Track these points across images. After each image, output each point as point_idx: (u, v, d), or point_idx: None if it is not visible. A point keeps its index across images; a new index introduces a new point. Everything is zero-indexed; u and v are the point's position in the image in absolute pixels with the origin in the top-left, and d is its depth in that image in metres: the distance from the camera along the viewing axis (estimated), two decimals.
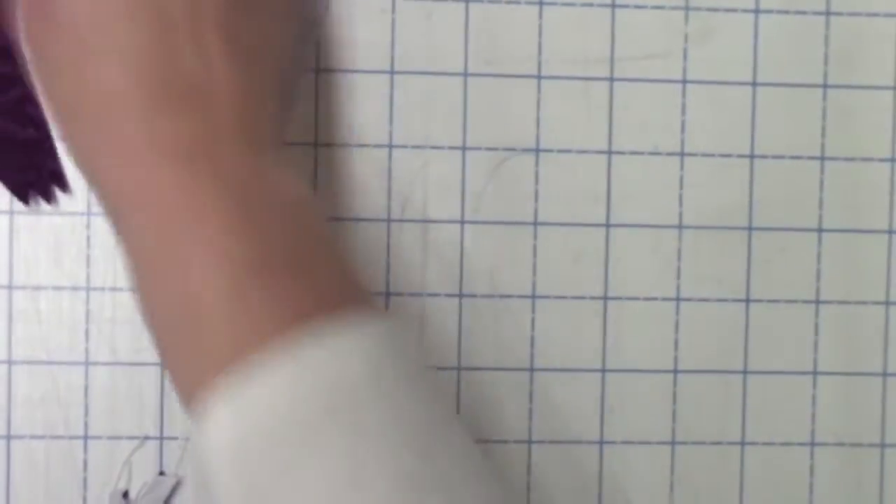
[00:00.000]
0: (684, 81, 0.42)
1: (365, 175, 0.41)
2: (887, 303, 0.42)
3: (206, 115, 0.32)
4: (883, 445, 0.42)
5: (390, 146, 0.41)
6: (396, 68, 0.41)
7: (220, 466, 0.29)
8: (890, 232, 0.42)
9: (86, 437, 0.40)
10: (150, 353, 0.40)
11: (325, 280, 0.32)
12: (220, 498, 0.29)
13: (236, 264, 0.30)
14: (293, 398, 0.29)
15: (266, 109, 0.33)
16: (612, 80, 0.41)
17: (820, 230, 0.42)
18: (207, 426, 0.29)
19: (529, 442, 0.41)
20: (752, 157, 0.42)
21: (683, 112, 0.42)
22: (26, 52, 0.34)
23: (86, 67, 0.31)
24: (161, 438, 0.40)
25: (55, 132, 0.34)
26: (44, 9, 0.33)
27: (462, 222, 0.41)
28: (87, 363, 0.40)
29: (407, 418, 0.30)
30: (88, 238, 0.40)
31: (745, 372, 0.42)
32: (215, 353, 0.30)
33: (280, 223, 0.32)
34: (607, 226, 0.41)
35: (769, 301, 0.42)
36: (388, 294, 0.41)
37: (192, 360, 0.31)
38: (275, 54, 0.35)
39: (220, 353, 0.30)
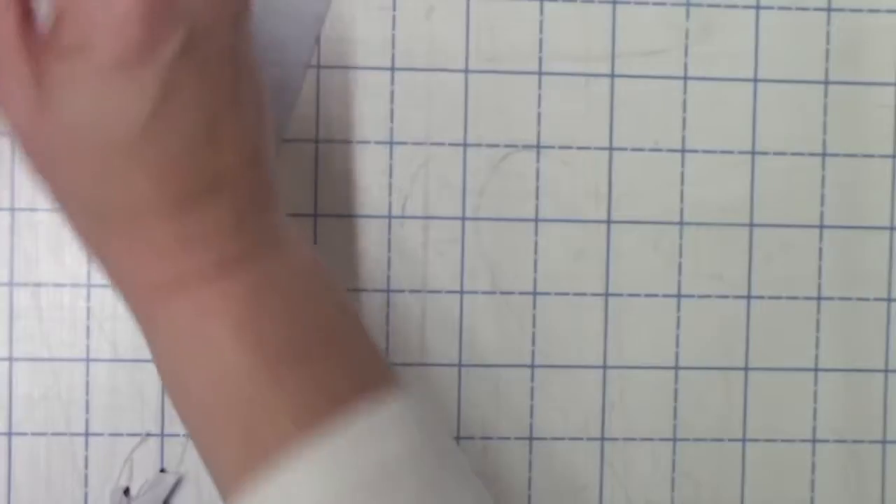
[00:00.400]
0: (685, 78, 0.42)
1: (366, 172, 0.41)
2: (889, 299, 0.42)
3: (228, 201, 0.32)
4: (884, 442, 0.42)
5: (391, 143, 0.41)
6: (397, 65, 0.41)
7: None
8: (891, 228, 0.42)
9: (87, 434, 0.40)
10: None
11: (355, 359, 0.32)
12: None
13: (271, 350, 0.31)
14: (337, 487, 0.29)
15: (269, 168, 0.33)
16: (613, 76, 0.41)
17: (821, 227, 0.42)
18: None
19: (531, 438, 0.41)
20: (753, 153, 0.42)
21: (684, 109, 0.42)
22: (25, 150, 0.33)
23: (111, 179, 0.31)
24: (162, 435, 0.40)
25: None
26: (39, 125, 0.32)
27: (463, 219, 0.41)
28: (87, 360, 0.40)
29: (439, 491, 0.31)
30: None
31: (746, 368, 0.42)
32: (254, 443, 0.30)
33: (310, 304, 0.32)
34: (608, 222, 0.41)
35: (770, 297, 0.42)
36: (388, 291, 0.41)
37: (229, 449, 0.31)
38: (264, 109, 0.34)
39: (258, 443, 0.30)
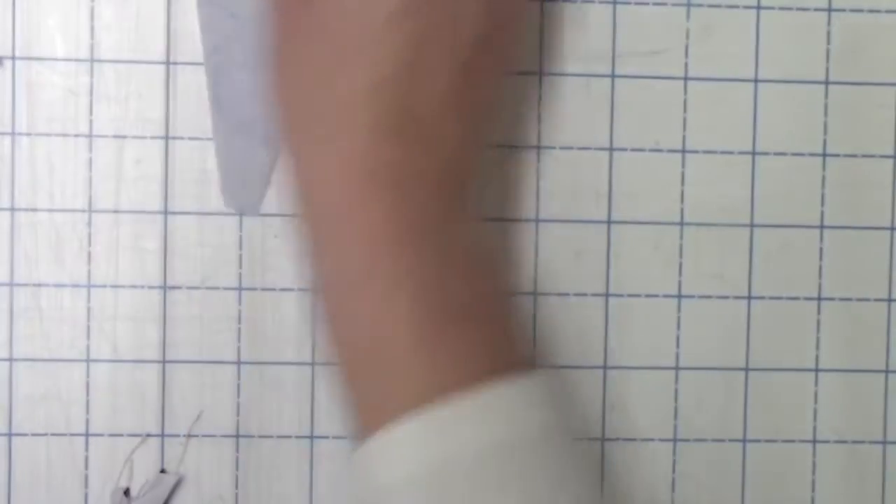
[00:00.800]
0: (686, 78, 0.42)
1: None
2: (889, 300, 0.42)
3: (430, 156, 0.32)
4: (885, 443, 0.42)
5: None
6: None
7: (395, 489, 0.30)
8: (892, 228, 0.42)
9: (87, 435, 0.40)
10: (152, 351, 0.40)
11: (508, 335, 0.33)
12: None
13: (436, 308, 0.31)
14: (471, 451, 0.30)
15: (472, 160, 0.34)
16: (613, 76, 0.41)
17: (822, 227, 0.42)
18: (385, 463, 0.31)
19: None
20: (753, 153, 0.42)
21: (685, 109, 0.42)
22: (270, 46, 0.34)
23: (334, 77, 0.32)
24: (162, 436, 0.40)
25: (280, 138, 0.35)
26: (306, 8, 0.33)
27: None
28: (88, 360, 0.40)
29: (570, 477, 0.31)
30: (90, 235, 0.40)
31: (746, 369, 0.42)
32: (398, 397, 0.31)
33: (475, 274, 0.33)
34: (609, 223, 0.41)
35: (771, 298, 0.42)
36: None
37: (373, 397, 0.32)
38: (492, 109, 0.36)
39: (403, 397, 0.31)
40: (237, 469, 0.41)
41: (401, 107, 0.32)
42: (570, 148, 0.41)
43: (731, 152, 0.42)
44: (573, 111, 0.41)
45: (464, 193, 0.34)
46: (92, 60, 0.40)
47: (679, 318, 0.42)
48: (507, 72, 0.35)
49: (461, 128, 0.33)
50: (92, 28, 0.40)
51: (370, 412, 0.32)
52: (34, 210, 0.40)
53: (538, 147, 0.41)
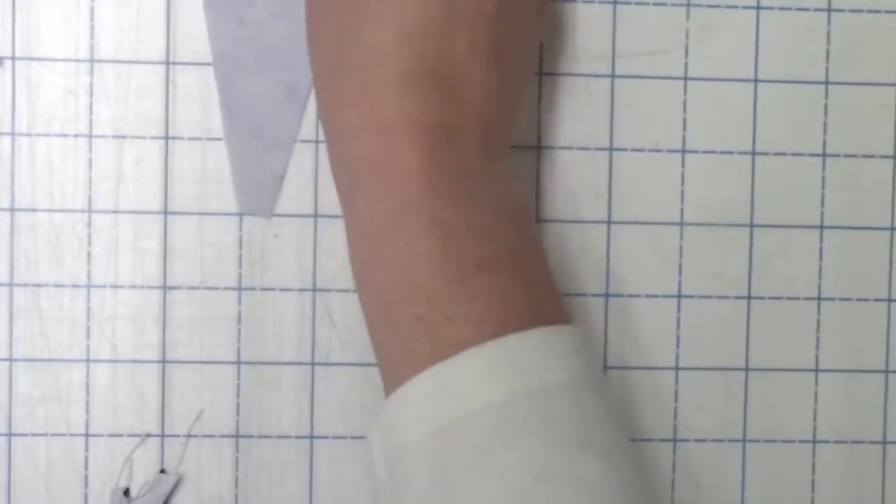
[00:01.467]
0: (686, 78, 0.42)
1: None
2: (889, 300, 0.42)
3: (456, 108, 0.33)
4: (885, 442, 0.42)
5: None
6: None
7: (416, 444, 0.30)
8: (892, 229, 0.42)
9: (87, 435, 0.40)
10: (152, 351, 0.40)
11: (536, 286, 0.33)
12: (410, 475, 0.30)
13: (462, 257, 0.31)
14: (501, 397, 0.30)
15: (508, 117, 0.35)
16: (613, 76, 0.41)
17: (822, 227, 0.42)
18: (413, 408, 0.30)
19: None
20: (753, 153, 0.42)
21: (685, 109, 0.42)
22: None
23: (361, 27, 0.33)
24: (162, 436, 0.40)
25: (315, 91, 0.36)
26: None
27: None
28: (87, 361, 0.40)
29: (596, 428, 0.31)
30: (89, 235, 0.40)
31: (746, 369, 0.42)
32: (432, 342, 0.31)
33: (504, 224, 0.33)
34: (609, 223, 0.41)
35: (771, 298, 0.42)
36: None
37: (402, 339, 0.32)
38: (525, 66, 0.36)
39: (437, 342, 0.31)
40: (237, 469, 0.41)
41: (428, 58, 0.32)
42: (570, 148, 0.41)
43: (730, 152, 0.42)
44: (573, 111, 0.41)
45: (495, 146, 0.34)
46: (92, 60, 0.40)
47: (679, 318, 0.42)
48: (529, 29, 0.35)
49: (488, 80, 0.33)
50: (92, 28, 0.40)
51: (394, 367, 0.32)
52: (34, 210, 0.40)
53: (538, 147, 0.41)
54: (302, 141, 0.41)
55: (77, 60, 0.40)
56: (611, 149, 0.41)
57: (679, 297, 0.42)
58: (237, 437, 0.41)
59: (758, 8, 0.42)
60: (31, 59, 0.40)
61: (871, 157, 0.42)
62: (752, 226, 0.42)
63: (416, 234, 0.32)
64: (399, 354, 0.32)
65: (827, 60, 0.42)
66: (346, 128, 0.33)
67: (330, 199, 0.41)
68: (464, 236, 0.32)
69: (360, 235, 0.33)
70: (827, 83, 0.42)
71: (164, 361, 0.40)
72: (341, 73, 0.33)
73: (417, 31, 0.33)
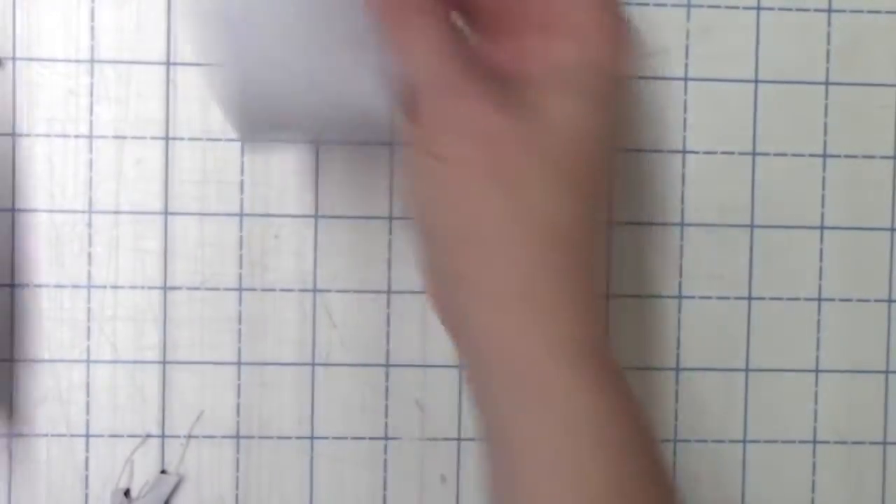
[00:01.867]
0: (686, 78, 0.42)
1: (367, 173, 0.41)
2: (889, 300, 0.42)
3: (581, 271, 0.32)
4: (885, 443, 0.42)
5: (392, 143, 0.41)
6: None
7: None
8: (892, 229, 0.42)
9: (87, 436, 0.40)
10: (152, 351, 0.40)
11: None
12: None
13: (593, 484, 0.30)
14: None
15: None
16: None
17: (822, 227, 0.42)
18: None
19: None
20: (754, 154, 0.42)
21: (685, 109, 0.42)
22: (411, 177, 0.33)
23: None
24: (163, 437, 0.40)
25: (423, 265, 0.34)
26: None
27: None
28: (88, 361, 0.40)
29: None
30: (90, 236, 0.40)
31: (747, 370, 0.42)
32: None
33: (629, 438, 0.31)
34: (609, 223, 0.41)
35: (771, 298, 0.42)
36: (389, 292, 0.41)
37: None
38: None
39: None
40: (237, 469, 0.41)
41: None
42: None
43: (731, 153, 0.42)
44: None
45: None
46: (92, 61, 0.40)
47: (679, 319, 0.42)
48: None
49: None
50: (92, 28, 0.40)
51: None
52: (34, 210, 0.40)
53: None
54: (304, 141, 0.41)
55: (77, 61, 0.40)
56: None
57: (680, 297, 0.42)
58: (238, 437, 0.41)
59: (758, 8, 0.42)
60: (31, 59, 0.40)
61: (872, 157, 0.42)
62: (752, 226, 0.42)
63: (553, 462, 0.30)
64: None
65: (827, 60, 0.42)
66: (474, 311, 0.32)
67: (330, 200, 0.41)
68: (596, 464, 0.30)
69: (489, 431, 0.32)
70: (827, 83, 0.42)
71: (164, 362, 0.40)
72: (464, 252, 0.32)
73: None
